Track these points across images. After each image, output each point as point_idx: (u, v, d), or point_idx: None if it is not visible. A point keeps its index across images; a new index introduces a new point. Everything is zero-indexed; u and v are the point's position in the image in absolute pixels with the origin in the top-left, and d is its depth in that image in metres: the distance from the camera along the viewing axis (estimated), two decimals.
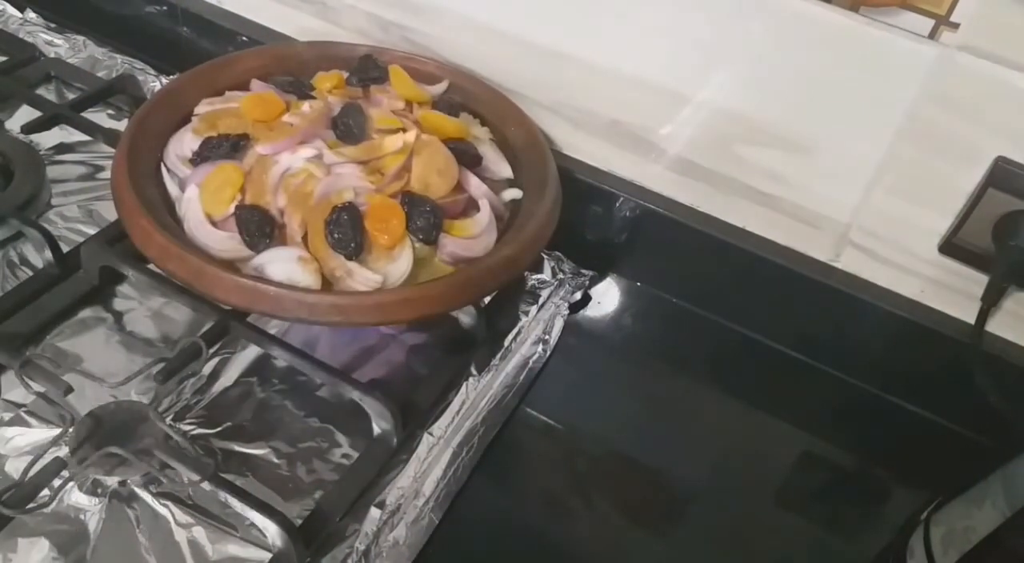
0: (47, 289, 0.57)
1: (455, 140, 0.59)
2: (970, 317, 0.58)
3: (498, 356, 0.58)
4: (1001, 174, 0.52)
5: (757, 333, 0.66)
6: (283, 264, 0.51)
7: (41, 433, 0.50)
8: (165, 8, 0.79)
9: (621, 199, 0.66)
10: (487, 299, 0.61)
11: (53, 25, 0.81)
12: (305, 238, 0.52)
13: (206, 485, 0.47)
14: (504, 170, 0.61)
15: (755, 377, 0.65)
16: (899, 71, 0.53)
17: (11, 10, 0.82)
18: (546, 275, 0.65)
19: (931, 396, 0.62)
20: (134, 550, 0.46)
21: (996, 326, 0.59)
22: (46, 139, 0.69)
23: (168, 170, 0.57)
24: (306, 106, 0.59)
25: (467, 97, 0.66)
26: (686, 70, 0.60)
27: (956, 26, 0.51)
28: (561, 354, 0.62)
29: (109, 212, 0.62)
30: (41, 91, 0.74)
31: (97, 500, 0.47)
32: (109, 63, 0.78)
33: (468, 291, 0.53)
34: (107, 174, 0.60)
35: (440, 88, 0.66)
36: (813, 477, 0.60)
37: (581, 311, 0.66)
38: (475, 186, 0.58)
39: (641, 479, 0.57)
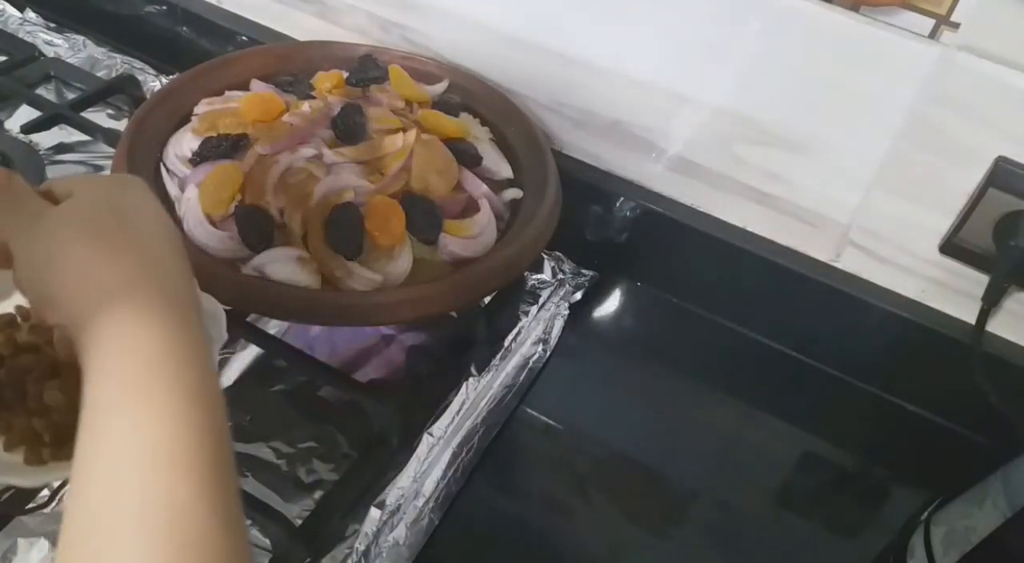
0: None
1: (455, 140, 0.59)
2: (971, 317, 0.58)
3: (498, 356, 0.58)
4: (1002, 174, 0.52)
5: (757, 333, 0.66)
6: (283, 264, 0.51)
7: None
8: (165, 8, 0.79)
9: (621, 199, 0.66)
10: (487, 299, 0.61)
11: (53, 25, 0.81)
12: (305, 238, 0.52)
13: None
14: (504, 170, 0.61)
15: (755, 377, 0.65)
16: (899, 71, 0.53)
17: (11, 10, 0.82)
18: (546, 275, 0.65)
19: (931, 396, 0.62)
20: None
21: (997, 326, 0.59)
22: (46, 139, 0.69)
23: (168, 170, 0.57)
24: (306, 106, 0.59)
25: (467, 97, 0.66)
26: (686, 70, 0.60)
27: (956, 26, 0.50)
28: (561, 354, 0.62)
29: None
30: (41, 91, 0.74)
31: None
32: (109, 63, 0.78)
33: (468, 291, 0.53)
34: (107, 174, 0.60)
35: (440, 88, 0.66)
36: (813, 477, 0.59)
37: (581, 311, 0.66)
38: (475, 186, 0.58)
39: (641, 479, 0.57)
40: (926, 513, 0.52)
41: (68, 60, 0.78)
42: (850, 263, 0.62)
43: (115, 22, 0.81)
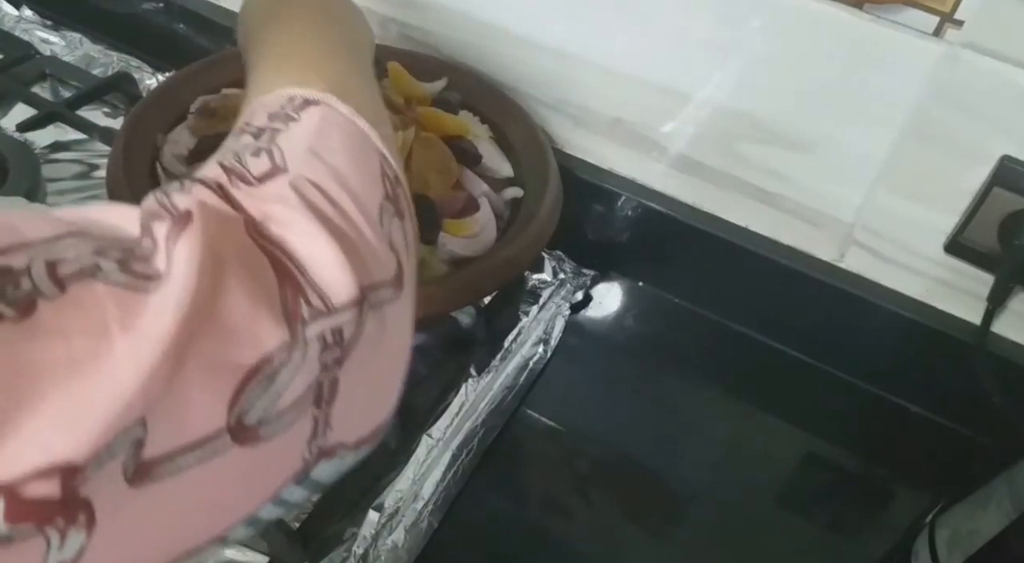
0: None
1: (454, 138, 0.59)
2: (976, 317, 0.57)
3: (498, 357, 0.58)
4: (1007, 173, 0.52)
5: (760, 333, 0.66)
6: None
7: None
8: (161, 5, 0.78)
9: (623, 198, 0.66)
10: (487, 299, 0.61)
11: (49, 22, 0.81)
12: None
13: None
14: (504, 168, 0.61)
15: (758, 377, 0.64)
16: (903, 69, 0.53)
17: (7, 7, 0.81)
18: (547, 275, 0.65)
19: (936, 397, 0.61)
20: None
21: (1002, 327, 0.58)
22: (41, 137, 0.68)
23: (164, 169, 0.56)
24: None
25: (467, 94, 0.66)
26: (688, 67, 0.60)
27: (960, 23, 0.50)
28: (562, 355, 0.62)
29: None
30: (36, 89, 0.73)
31: None
32: (105, 61, 0.78)
33: (468, 291, 0.53)
34: (102, 173, 0.59)
35: (439, 85, 0.65)
36: (816, 478, 0.59)
37: (582, 311, 0.66)
38: (475, 185, 0.57)
39: (642, 481, 0.57)
40: (930, 515, 0.51)
41: (64, 58, 0.78)
42: (854, 263, 0.62)
43: (111, 20, 0.80)
